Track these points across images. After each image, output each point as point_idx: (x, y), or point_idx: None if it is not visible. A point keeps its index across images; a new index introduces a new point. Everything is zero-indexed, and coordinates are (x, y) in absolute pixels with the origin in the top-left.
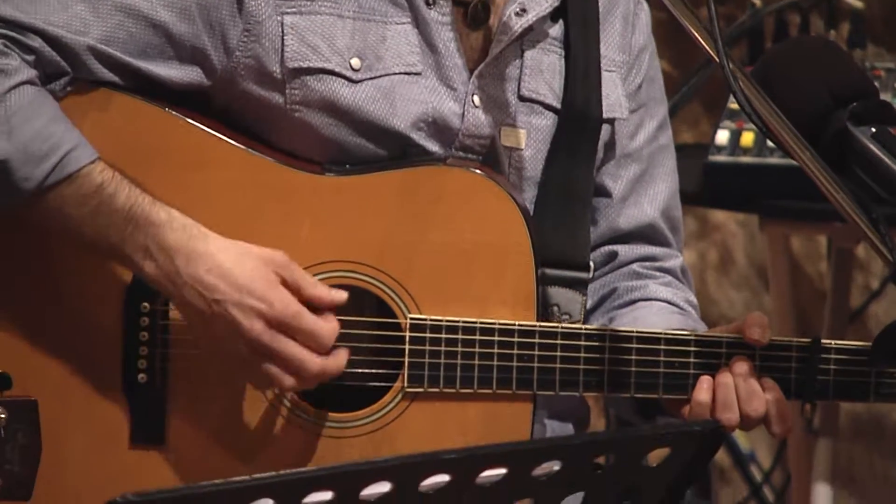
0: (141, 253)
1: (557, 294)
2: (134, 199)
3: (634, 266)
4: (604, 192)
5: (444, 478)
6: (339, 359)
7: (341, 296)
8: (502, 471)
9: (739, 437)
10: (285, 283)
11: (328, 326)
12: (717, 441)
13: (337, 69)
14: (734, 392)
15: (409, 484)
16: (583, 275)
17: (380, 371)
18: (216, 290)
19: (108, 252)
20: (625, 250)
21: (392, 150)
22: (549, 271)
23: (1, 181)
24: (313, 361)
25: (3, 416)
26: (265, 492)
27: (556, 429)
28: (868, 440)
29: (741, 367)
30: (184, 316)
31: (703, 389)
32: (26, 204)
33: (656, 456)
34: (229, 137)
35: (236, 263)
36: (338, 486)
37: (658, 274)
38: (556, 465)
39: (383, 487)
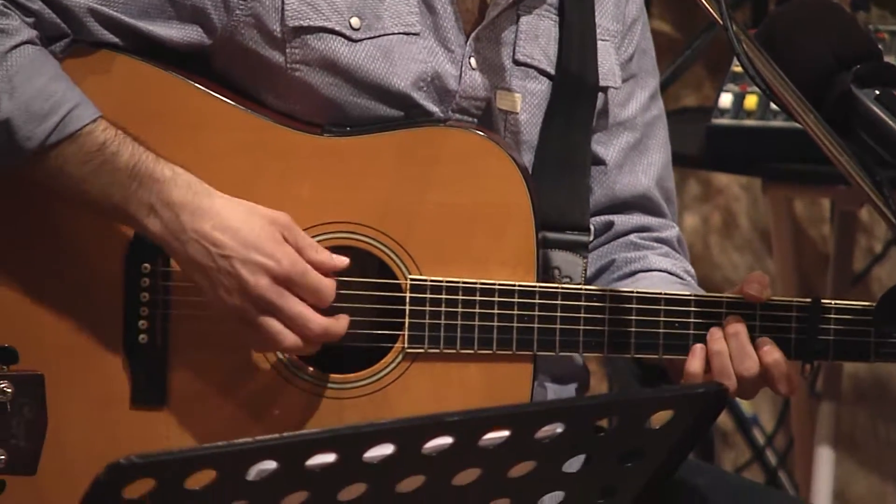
0: (145, 210)
1: (558, 257)
2: (138, 156)
3: (631, 237)
4: (597, 160)
5: (447, 440)
6: (342, 322)
7: (343, 260)
8: (505, 433)
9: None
10: (289, 244)
11: (330, 285)
12: (720, 404)
13: (337, 28)
14: (728, 358)
15: (412, 446)
16: (583, 237)
17: (381, 332)
18: (223, 246)
19: (111, 211)
20: (621, 220)
21: (394, 109)
22: (549, 234)
23: (3, 141)
24: (317, 320)
25: (9, 390)
26: (269, 454)
27: (558, 392)
28: (871, 404)
29: (733, 327)
30: (188, 273)
31: (696, 358)
32: (28, 163)
33: (659, 418)
34: (229, 98)
35: (243, 221)
36: (342, 447)
37: (656, 244)
38: (558, 428)
39: (386, 449)
